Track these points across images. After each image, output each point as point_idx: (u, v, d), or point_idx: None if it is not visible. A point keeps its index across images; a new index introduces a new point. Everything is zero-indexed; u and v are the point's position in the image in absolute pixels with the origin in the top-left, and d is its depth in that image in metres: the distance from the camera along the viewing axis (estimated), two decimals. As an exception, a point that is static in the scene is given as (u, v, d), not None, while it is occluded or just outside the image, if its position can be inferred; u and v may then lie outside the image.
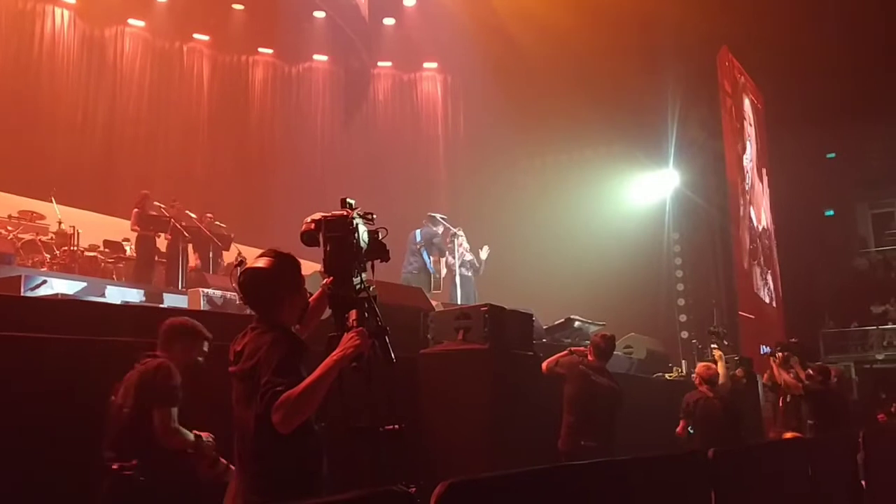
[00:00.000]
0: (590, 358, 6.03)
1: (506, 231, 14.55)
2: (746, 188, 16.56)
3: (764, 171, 18.40)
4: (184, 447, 3.51)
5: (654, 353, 10.00)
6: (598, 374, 5.90)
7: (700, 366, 7.46)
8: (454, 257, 10.36)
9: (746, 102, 17.44)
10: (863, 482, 5.82)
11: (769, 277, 17.37)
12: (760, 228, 17.47)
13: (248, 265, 2.92)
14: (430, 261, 10.27)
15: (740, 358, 9.26)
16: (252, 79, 17.60)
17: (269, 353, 2.64)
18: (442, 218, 10.68)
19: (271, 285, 2.85)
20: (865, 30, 14.85)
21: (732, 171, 15.53)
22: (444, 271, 10.44)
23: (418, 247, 10.21)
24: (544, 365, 5.97)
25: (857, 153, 21.05)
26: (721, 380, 7.70)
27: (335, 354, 2.68)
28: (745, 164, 16.76)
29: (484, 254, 10.74)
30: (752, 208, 16.76)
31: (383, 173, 17.04)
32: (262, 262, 2.88)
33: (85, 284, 8.49)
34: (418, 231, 10.39)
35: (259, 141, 17.29)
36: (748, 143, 17.32)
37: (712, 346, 8.30)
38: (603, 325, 8.80)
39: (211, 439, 3.58)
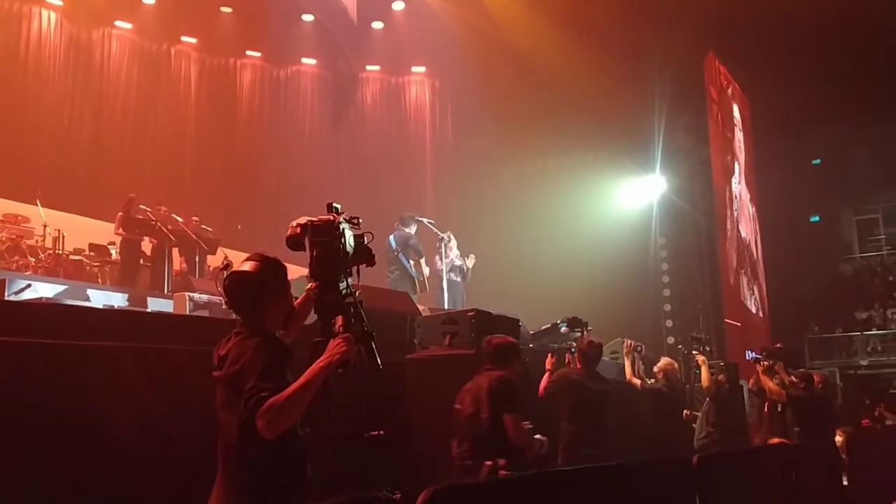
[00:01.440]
0: (578, 366, 6.07)
1: (493, 235, 14.55)
2: (735, 197, 16.61)
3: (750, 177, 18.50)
4: (530, 444, 4.45)
5: (640, 357, 10.02)
6: (591, 379, 5.93)
7: (663, 360, 7.66)
8: (443, 262, 10.23)
9: (735, 109, 17.53)
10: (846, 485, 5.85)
11: (755, 288, 17.44)
12: (748, 239, 17.53)
13: (234, 269, 2.91)
14: (409, 264, 10.06)
15: (725, 363, 9.29)
16: (240, 82, 17.51)
17: (253, 358, 2.62)
18: (430, 222, 10.50)
19: (257, 290, 2.83)
20: (851, 36, 14.96)
21: (719, 178, 15.59)
22: (426, 271, 10.24)
23: (395, 253, 9.97)
24: (541, 390, 5.96)
25: (842, 160, 21.21)
26: (705, 384, 7.81)
27: (321, 361, 2.67)
28: (734, 172, 16.83)
29: (470, 262, 10.66)
30: (739, 218, 16.81)
31: (370, 177, 16.96)
32: (248, 266, 2.87)
33: (66, 287, 8.43)
34: (392, 237, 10.04)
35: (246, 144, 17.18)
36: (737, 150, 17.40)
37: (694, 351, 8.37)
38: (590, 329, 8.81)
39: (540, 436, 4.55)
